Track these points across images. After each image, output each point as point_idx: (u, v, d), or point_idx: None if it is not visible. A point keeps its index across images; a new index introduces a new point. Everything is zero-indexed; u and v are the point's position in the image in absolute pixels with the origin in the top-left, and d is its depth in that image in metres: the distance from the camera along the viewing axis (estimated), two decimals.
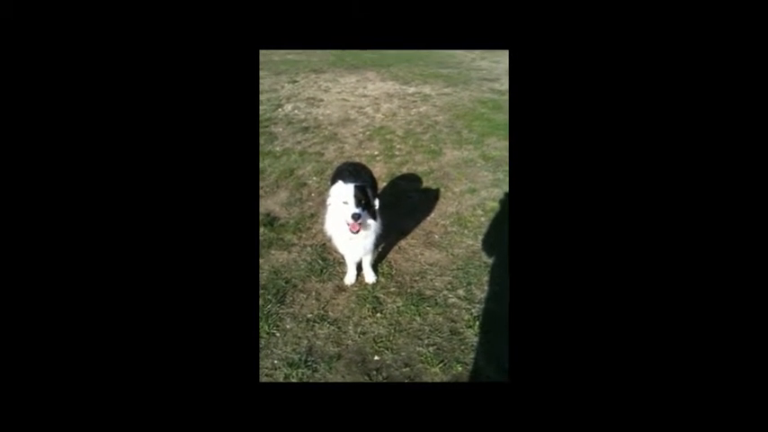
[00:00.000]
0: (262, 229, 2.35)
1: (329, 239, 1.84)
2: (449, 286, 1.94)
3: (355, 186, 1.67)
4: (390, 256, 2.16)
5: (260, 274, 1.98)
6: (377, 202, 1.80)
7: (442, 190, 2.85)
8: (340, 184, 1.71)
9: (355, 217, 1.59)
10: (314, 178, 3.05)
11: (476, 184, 2.93)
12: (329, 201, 1.75)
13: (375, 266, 2.03)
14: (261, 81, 6.51)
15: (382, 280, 1.97)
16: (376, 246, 1.88)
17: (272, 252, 2.17)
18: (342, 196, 1.66)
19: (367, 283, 1.94)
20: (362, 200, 1.65)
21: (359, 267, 1.96)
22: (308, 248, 2.20)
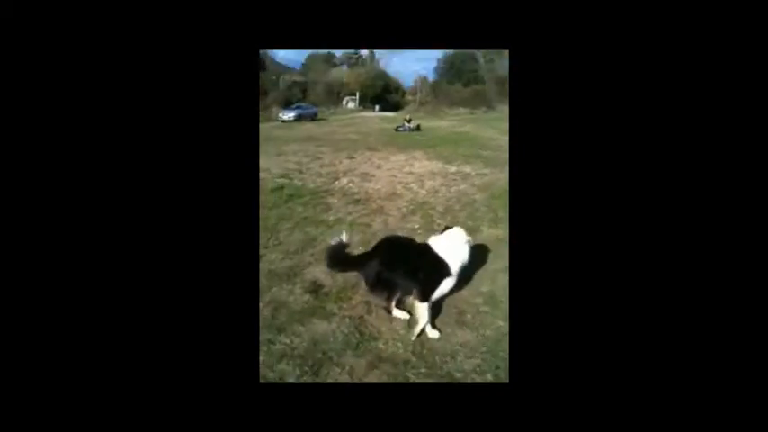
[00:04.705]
0: (306, 297, 2.58)
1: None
2: (477, 369, 1.99)
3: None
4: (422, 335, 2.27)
5: (300, 344, 2.15)
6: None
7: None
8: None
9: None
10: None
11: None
12: None
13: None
14: (322, 156, 7.25)
15: (413, 359, 2.06)
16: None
17: (314, 321, 2.36)
18: None
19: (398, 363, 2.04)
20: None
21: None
22: (347, 319, 2.37)
